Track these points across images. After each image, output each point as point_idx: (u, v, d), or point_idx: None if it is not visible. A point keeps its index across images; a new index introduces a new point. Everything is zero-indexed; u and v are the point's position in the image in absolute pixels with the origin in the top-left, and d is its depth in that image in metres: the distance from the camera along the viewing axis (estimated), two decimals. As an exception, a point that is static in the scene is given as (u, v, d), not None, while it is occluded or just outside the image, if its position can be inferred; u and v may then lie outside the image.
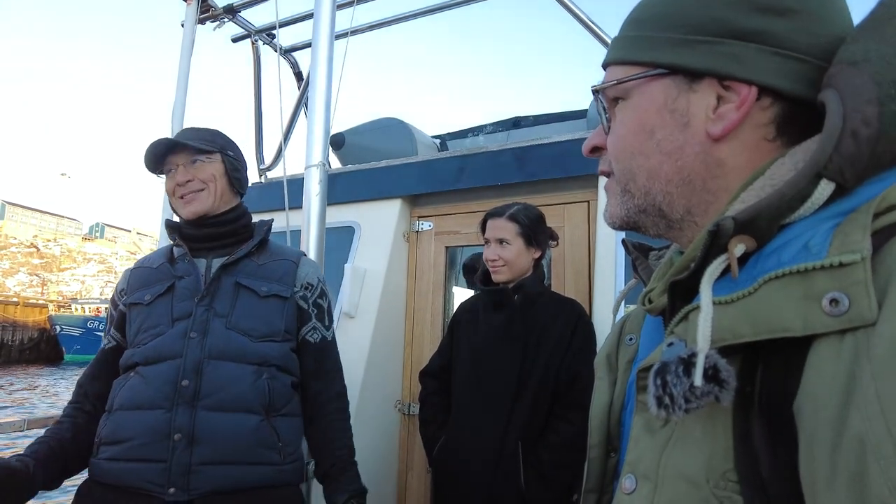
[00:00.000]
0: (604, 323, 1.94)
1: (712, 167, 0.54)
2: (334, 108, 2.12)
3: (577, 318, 1.79)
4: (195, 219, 1.50)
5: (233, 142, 1.63)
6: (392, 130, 3.26)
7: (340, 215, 2.62)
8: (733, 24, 0.52)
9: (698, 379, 0.40)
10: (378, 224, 2.56)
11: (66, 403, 1.48)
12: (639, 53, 0.57)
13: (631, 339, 0.70)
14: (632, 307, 0.78)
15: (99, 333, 17.09)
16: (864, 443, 0.33)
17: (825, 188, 0.43)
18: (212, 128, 1.60)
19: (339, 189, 2.65)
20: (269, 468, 1.35)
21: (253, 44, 3.36)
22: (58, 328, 26.93)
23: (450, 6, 3.00)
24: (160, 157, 1.51)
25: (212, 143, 1.53)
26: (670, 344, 0.48)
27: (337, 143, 3.12)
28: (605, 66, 0.63)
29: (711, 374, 0.41)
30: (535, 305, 1.81)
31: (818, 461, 0.36)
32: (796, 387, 0.39)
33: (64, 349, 26.87)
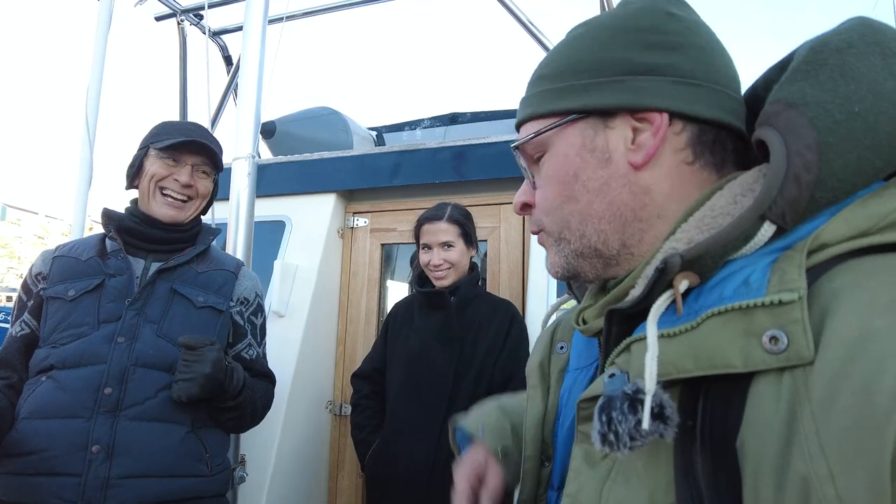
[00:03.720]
0: (537, 322, 1.96)
1: (640, 195, 0.55)
2: (266, 96, 2.03)
3: (510, 318, 1.80)
4: (168, 223, 1.43)
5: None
6: (326, 120, 3.17)
7: (270, 209, 2.52)
8: (633, 62, 0.55)
9: (646, 422, 0.41)
10: (310, 219, 2.48)
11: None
12: (549, 105, 0.58)
13: (562, 348, 0.71)
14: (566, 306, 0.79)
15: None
16: (808, 482, 0.34)
17: (768, 230, 0.45)
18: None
19: (269, 181, 2.54)
20: (195, 480, 1.29)
21: (179, 24, 3.16)
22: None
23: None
24: (181, 146, 1.42)
25: (220, 161, 1.50)
26: (612, 375, 0.49)
27: (267, 131, 2.99)
28: (518, 126, 0.63)
29: (657, 413, 0.41)
30: (470, 306, 1.80)
31: (763, 499, 0.37)
32: (739, 422, 0.40)
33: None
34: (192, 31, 3.21)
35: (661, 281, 0.47)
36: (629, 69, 0.54)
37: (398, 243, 2.52)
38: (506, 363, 1.74)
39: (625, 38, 0.55)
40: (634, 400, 0.42)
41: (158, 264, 1.39)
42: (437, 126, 3.61)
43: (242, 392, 1.37)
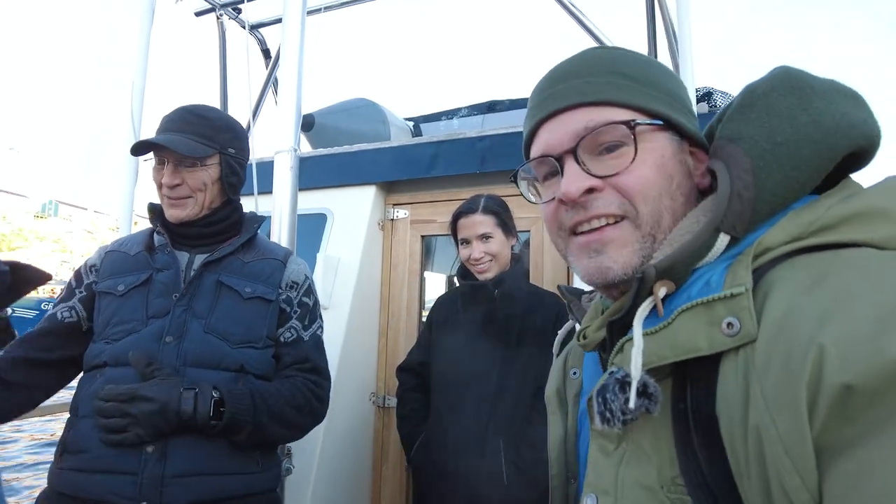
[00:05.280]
0: (583, 315, 1.91)
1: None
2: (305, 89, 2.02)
3: (556, 311, 1.76)
4: (176, 224, 1.39)
5: (239, 131, 1.47)
6: (364, 112, 3.16)
7: (311, 201, 2.52)
8: (690, 107, 0.67)
9: (633, 401, 0.51)
10: (351, 211, 2.48)
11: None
12: (649, 102, 0.62)
13: (575, 373, 0.77)
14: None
15: (54, 316, 16.33)
16: (759, 430, 0.43)
17: (723, 240, 0.56)
18: (219, 114, 1.44)
19: (310, 174, 2.55)
20: (247, 477, 1.29)
21: (218, 18, 3.19)
22: (9, 310, 25.79)
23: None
24: (145, 146, 1.36)
25: (212, 141, 1.38)
26: (611, 373, 0.56)
27: (306, 124, 3.00)
28: (581, 104, 0.63)
29: (641, 391, 0.51)
30: (515, 299, 1.77)
31: (737, 453, 0.46)
32: (714, 396, 0.49)
33: (16, 332, 25.76)
34: (230, 25, 3.24)
35: (643, 290, 0.55)
36: (690, 111, 0.67)
37: (438, 235, 2.50)
38: (551, 355, 1.70)
39: (682, 87, 0.68)
40: (623, 383, 0.52)
41: (203, 256, 1.38)
42: (475, 114, 3.57)
43: (237, 415, 1.23)
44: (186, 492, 1.19)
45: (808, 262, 0.48)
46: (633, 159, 0.60)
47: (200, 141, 1.36)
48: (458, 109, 3.64)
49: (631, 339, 0.54)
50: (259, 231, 1.53)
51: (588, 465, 0.61)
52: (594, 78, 0.63)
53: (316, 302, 1.52)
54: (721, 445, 0.47)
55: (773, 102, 0.57)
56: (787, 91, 0.57)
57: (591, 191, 0.61)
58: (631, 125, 0.60)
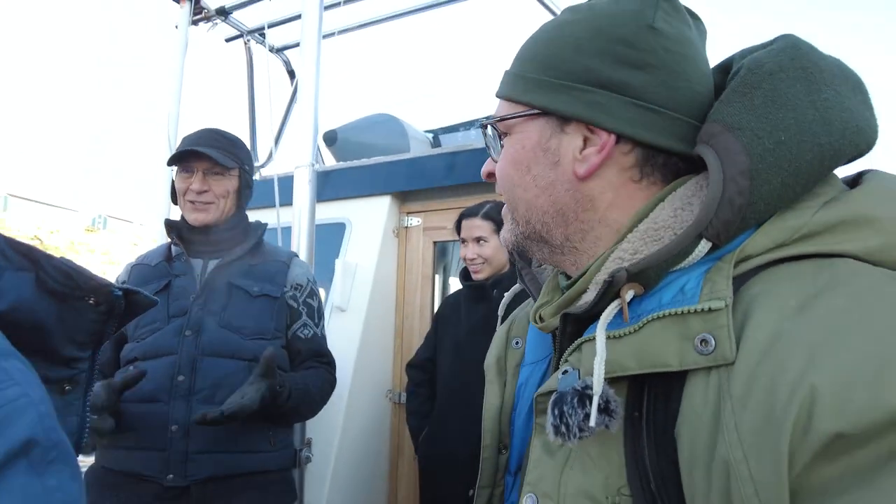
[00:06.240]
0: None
1: (582, 202, 0.59)
2: (324, 107, 2.18)
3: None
4: (199, 227, 1.57)
5: (249, 152, 1.68)
6: (384, 126, 3.31)
7: (331, 212, 2.69)
8: (600, 73, 0.56)
9: (593, 419, 0.47)
10: (368, 220, 2.63)
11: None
12: (521, 93, 0.61)
13: (517, 343, 0.76)
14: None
15: (103, 325, 17.07)
16: (728, 465, 0.40)
17: (704, 247, 0.50)
18: (234, 136, 1.64)
19: (330, 186, 2.72)
20: (260, 455, 1.45)
21: (245, 44, 3.42)
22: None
23: (436, 5, 3.06)
24: (182, 155, 1.55)
25: (234, 157, 1.58)
26: (565, 372, 0.54)
27: (330, 139, 3.18)
28: (500, 96, 0.65)
29: (603, 407, 0.47)
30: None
31: (696, 480, 0.43)
32: (676, 414, 0.46)
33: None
34: (258, 49, 3.46)
35: (610, 291, 0.51)
36: (593, 80, 0.56)
37: (449, 241, 2.63)
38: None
39: (601, 44, 0.56)
40: (583, 395, 0.48)
41: (216, 262, 1.57)
42: (492, 125, 3.67)
43: (291, 398, 1.45)
44: (207, 467, 1.37)
45: (792, 274, 0.46)
46: (501, 150, 0.64)
47: (226, 154, 1.56)
48: (475, 120, 3.76)
49: (590, 340, 0.51)
50: (263, 237, 1.70)
51: (530, 462, 0.58)
52: (512, 69, 0.64)
53: (320, 303, 1.70)
54: (676, 464, 0.45)
55: (780, 88, 0.49)
56: (796, 74, 0.50)
57: (493, 174, 0.67)
58: (487, 125, 0.64)
